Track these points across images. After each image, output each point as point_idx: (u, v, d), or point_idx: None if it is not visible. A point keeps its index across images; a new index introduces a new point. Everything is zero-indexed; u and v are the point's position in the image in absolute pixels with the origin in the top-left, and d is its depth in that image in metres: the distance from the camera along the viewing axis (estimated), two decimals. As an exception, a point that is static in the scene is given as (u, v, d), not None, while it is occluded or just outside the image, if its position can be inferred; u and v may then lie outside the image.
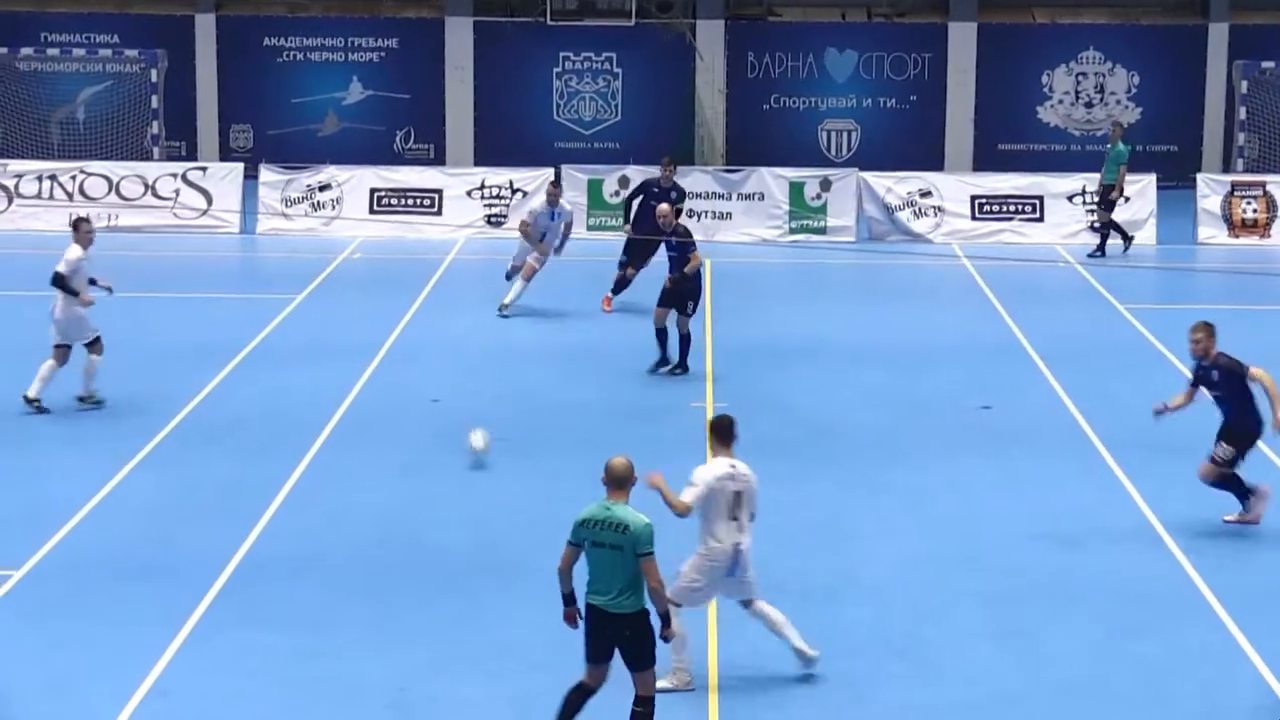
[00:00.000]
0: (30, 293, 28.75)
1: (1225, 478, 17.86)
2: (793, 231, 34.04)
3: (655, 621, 12.54)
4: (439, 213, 34.46)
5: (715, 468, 13.98)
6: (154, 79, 39.10)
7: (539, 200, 28.46)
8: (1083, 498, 18.95)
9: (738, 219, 34.20)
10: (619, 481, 12.59)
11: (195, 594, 15.73)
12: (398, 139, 40.65)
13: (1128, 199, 33.85)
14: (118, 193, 34.53)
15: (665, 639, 12.66)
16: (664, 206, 24.48)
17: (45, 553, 16.79)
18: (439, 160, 39.69)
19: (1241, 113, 38.59)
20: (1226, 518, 17.98)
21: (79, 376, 21.83)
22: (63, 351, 21.81)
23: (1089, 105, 40.66)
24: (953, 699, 13.94)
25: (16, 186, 34.49)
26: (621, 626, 12.40)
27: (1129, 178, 33.61)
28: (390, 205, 34.56)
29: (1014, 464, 20.12)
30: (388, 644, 14.73)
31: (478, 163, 38.64)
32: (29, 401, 21.52)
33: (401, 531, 17.62)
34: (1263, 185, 34.69)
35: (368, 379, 23.37)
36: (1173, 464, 19.70)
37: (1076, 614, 15.74)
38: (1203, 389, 17.99)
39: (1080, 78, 40.67)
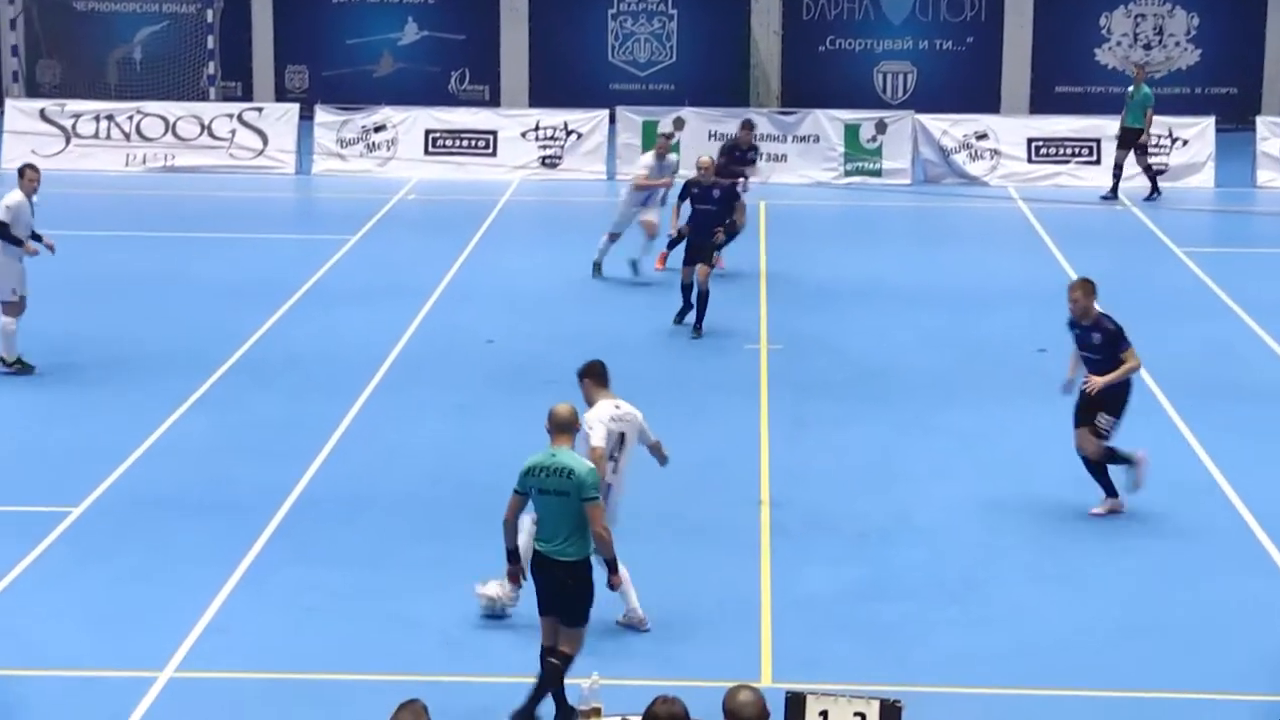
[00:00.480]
0: (87, 232, 28.93)
1: (1106, 454, 16.60)
2: (848, 174, 33.93)
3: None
4: (493, 154, 34.45)
5: (603, 410, 13.85)
6: (210, 19, 39.15)
7: (648, 155, 26.75)
8: (1138, 442, 18.84)
9: (793, 161, 34.09)
10: (562, 427, 12.38)
11: (251, 532, 15.82)
12: (453, 80, 40.63)
13: (1185, 142, 33.61)
14: (174, 133, 34.63)
15: (612, 586, 12.55)
16: (704, 158, 23.79)
17: (102, 491, 16.91)
18: (494, 102, 39.67)
19: (1303, 55, 38.28)
20: (1094, 511, 16.71)
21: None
22: (13, 306, 20.53)
23: (1147, 47, 40.35)
24: (1006, 642, 13.93)
25: (74, 126, 34.62)
26: (564, 575, 12.16)
27: (1179, 120, 33.37)
28: (445, 146, 34.57)
29: (1069, 408, 20.03)
30: (441, 583, 14.79)
31: (532, 104, 38.61)
32: (7, 365, 20.57)
33: (456, 471, 17.69)
34: (1323, 128, 34.37)
35: (422, 320, 23.42)
36: (1230, 409, 19.62)
37: (1131, 559, 15.71)
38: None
39: (1139, 19, 40.36)
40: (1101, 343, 16.47)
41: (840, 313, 24.05)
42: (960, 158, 34.04)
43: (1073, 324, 16.71)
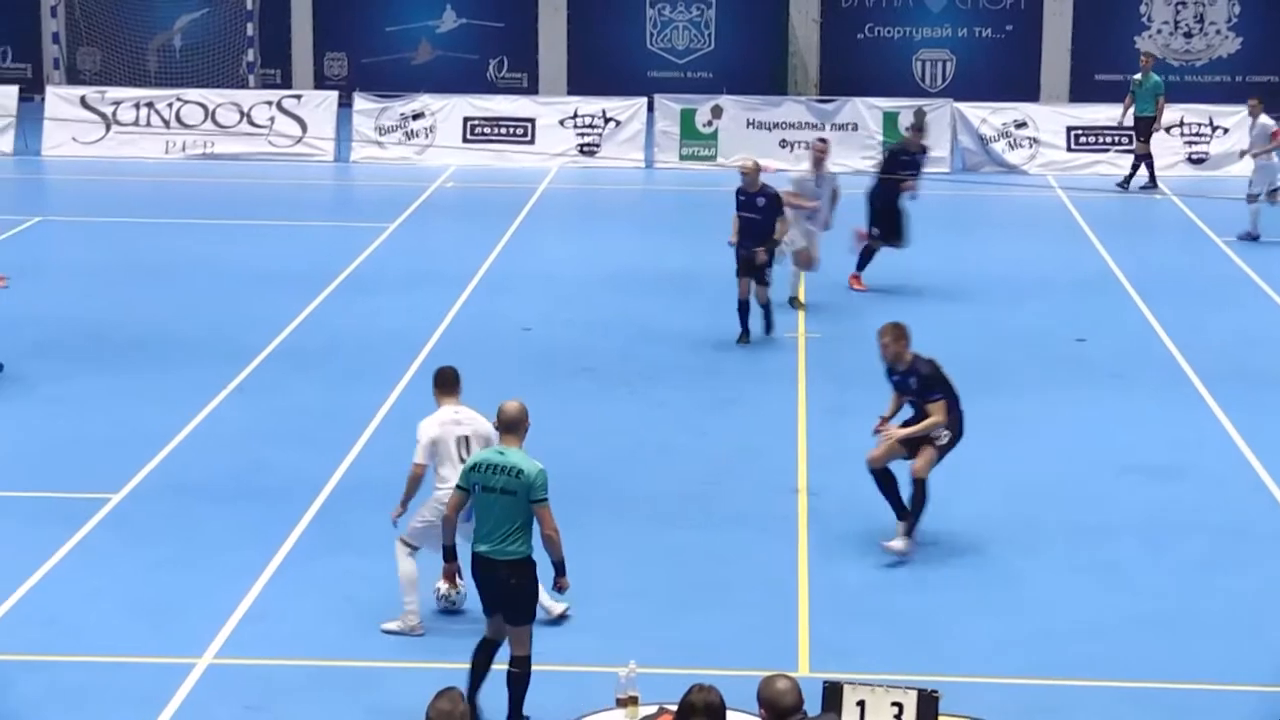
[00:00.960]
0: (127, 219, 29.06)
1: (918, 487, 15.27)
2: (886, 162, 33.83)
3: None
4: (532, 142, 34.47)
5: (438, 415, 13.72)
6: (250, 6, 39.24)
7: (803, 165, 24.93)
8: (1177, 432, 18.83)
9: (831, 149, 33.93)
10: (510, 425, 12.16)
11: (289, 519, 15.88)
12: (491, 68, 40.66)
13: (1226, 130, 33.48)
14: (214, 120, 34.72)
15: (559, 589, 12.28)
16: (748, 162, 22.40)
17: (142, 477, 16.98)
18: (532, 89, 39.69)
19: (1345, 42, 38.11)
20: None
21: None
22: None
23: (1188, 35, 40.20)
24: (1041, 632, 13.91)
25: (114, 114, 34.74)
26: (506, 574, 11.92)
27: (1220, 108, 33.25)
28: (483, 134, 34.60)
29: (1107, 397, 20.01)
30: (480, 570, 14.82)
31: (570, 92, 38.61)
32: None
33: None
34: (1365, 117, 34.19)
35: (460, 307, 23.46)
36: (1270, 398, 19.55)
37: (1168, 548, 15.67)
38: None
39: (1179, 7, 40.20)
40: (918, 387, 15.35)
41: (879, 301, 24.01)
42: (999, 146, 33.96)
43: (889, 370, 15.61)
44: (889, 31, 40.43)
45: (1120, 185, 32.24)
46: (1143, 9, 40.17)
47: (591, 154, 34.29)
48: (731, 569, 15.06)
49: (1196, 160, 32.83)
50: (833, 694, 9.93)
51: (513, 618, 12.07)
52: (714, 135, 34.14)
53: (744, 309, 21.73)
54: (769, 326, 22.03)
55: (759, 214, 21.61)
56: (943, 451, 15.41)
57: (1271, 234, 29.01)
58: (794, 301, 23.59)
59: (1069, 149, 33.98)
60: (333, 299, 23.89)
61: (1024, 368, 21.16)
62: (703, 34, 40.62)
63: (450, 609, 13.96)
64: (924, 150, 26.01)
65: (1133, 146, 32.71)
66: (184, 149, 34.50)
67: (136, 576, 14.68)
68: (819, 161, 23.93)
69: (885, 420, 15.63)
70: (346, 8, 40.65)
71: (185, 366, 20.63)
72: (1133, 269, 25.93)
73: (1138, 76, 32.74)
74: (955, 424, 15.43)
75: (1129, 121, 32.75)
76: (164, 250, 26.78)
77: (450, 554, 12.44)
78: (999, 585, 14.84)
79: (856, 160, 33.85)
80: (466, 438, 13.63)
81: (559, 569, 12.11)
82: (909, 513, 15.30)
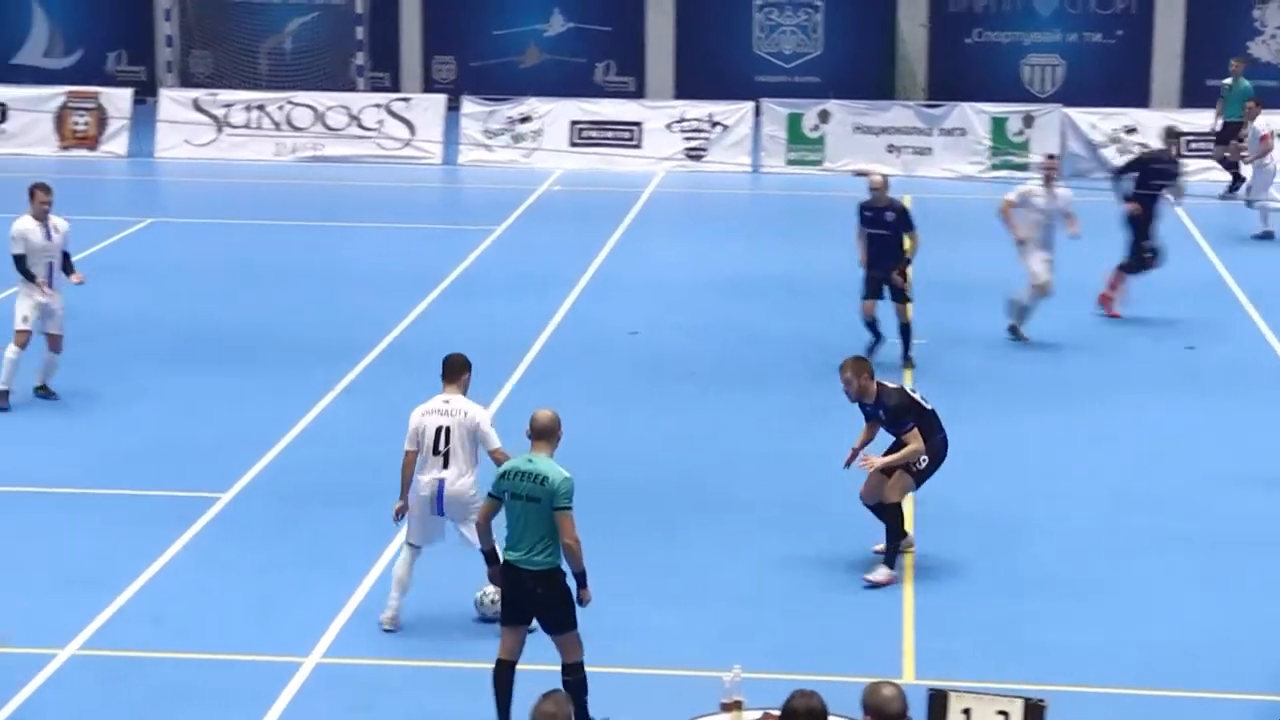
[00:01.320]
0: (237, 220, 29.34)
1: (892, 510, 14.90)
2: (994, 168, 33.69)
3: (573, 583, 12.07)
4: (638, 146, 34.52)
5: (427, 403, 13.71)
6: (359, 10, 39.52)
7: (1031, 184, 23.03)
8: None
9: (938, 154, 33.91)
10: (541, 433, 12.06)
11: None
12: (598, 71, 40.75)
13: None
14: (323, 123, 34.99)
15: (582, 602, 12.04)
16: (876, 175, 21.23)
17: (251, 477, 17.14)
18: (639, 93, 39.74)
19: None
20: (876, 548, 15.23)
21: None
22: (21, 334, 19.17)
23: (1302, 40, 39.75)
24: (1145, 642, 13.81)
25: (226, 116, 35.06)
26: (534, 584, 11.87)
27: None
28: (590, 137, 34.69)
29: (1217, 405, 19.83)
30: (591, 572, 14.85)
31: (677, 96, 38.63)
32: None
33: (600, 463, 17.75)
34: None
35: (567, 311, 23.54)
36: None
37: (1275, 557, 15.51)
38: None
39: (1294, 12, 39.77)
40: (888, 419, 14.90)
41: (984, 307, 23.88)
42: (1108, 152, 33.69)
43: (859, 404, 15.07)
44: (998, 36, 40.20)
45: (1226, 194, 31.93)
46: (1256, 14, 39.75)
47: (698, 158, 34.31)
48: (836, 574, 15.03)
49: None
50: (938, 701, 9.88)
51: (552, 626, 12.02)
52: (821, 140, 34.07)
53: (871, 326, 20.80)
54: (908, 348, 20.88)
55: (888, 229, 20.56)
56: (920, 478, 14.93)
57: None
58: (1015, 331, 22.21)
59: (1179, 155, 33.63)
60: (440, 301, 24.02)
61: (1131, 374, 21.01)
62: (810, 38, 40.54)
63: (486, 619, 13.76)
64: (1177, 160, 24.66)
65: (1226, 151, 32.41)
66: (293, 151, 34.78)
67: (245, 575, 14.82)
68: (1049, 179, 22.36)
69: (856, 451, 15.11)
70: (456, 12, 40.84)
71: (294, 367, 20.80)
72: (1244, 276, 25.68)
73: (1228, 81, 32.47)
74: (936, 450, 14.94)
75: (1219, 127, 32.49)
76: (274, 252, 27.02)
77: (492, 555, 12.43)
78: (1105, 594, 14.73)
79: (964, 165, 33.73)
80: (447, 429, 13.57)
81: (580, 580, 12.00)
82: (891, 543, 14.87)
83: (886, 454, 14.98)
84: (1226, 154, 32.25)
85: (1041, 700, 9.87)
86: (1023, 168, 33.38)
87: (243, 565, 15.05)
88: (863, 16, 40.27)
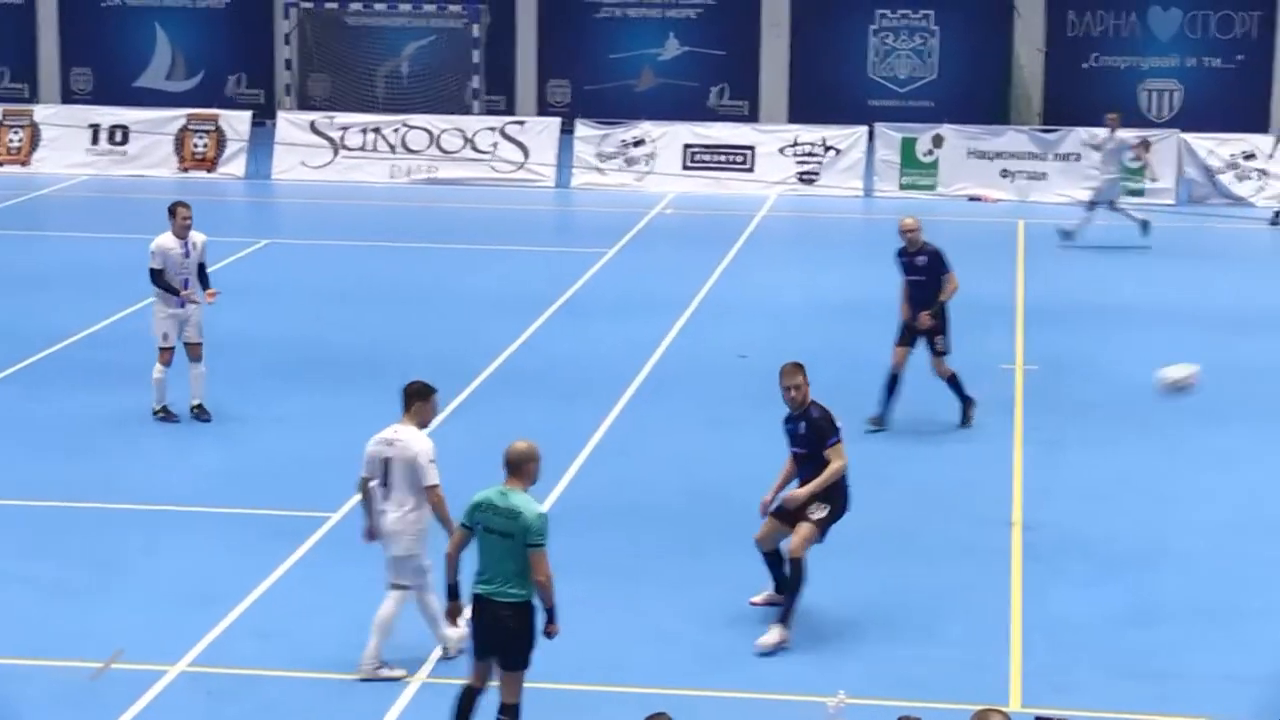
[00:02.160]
0: (353, 241, 29.57)
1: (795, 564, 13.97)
2: (1110, 193, 33.40)
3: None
4: (751, 169, 34.52)
5: (380, 433, 13.54)
6: (476, 34, 39.76)
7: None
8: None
9: (1053, 179, 33.70)
10: (514, 466, 11.86)
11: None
12: (712, 95, 40.78)
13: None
14: (438, 145, 35.22)
15: (548, 635, 11.84)
16: (907, 219, 20.05)
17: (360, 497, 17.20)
18: (753, 117, 39.73)
19: None
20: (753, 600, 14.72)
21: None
22: (165, 352, 19.56)
23: None
24: (1268, 672, 13.63)
25: (342, 139, 35.35)
26: (505, 616, 11.69)
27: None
28: (702, 161, 34.72)
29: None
30: (693, 595, 14.86)
31: (791, 120, 38.59)
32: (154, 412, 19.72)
33: (709, 485, 17.76)
34: None
35: (677, 333, 23.55)
36: None
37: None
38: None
39: None
40: (808, 433, 14.16)
41: (1099, 333, 23.72)
42: (1226, 178, 33.37)
43: (788, 418, 14.42)
44: (1115, 61, 39.91)
45: None
46: (1378, 39, 39.26)
47: (810, 182, 34.27)
48: (944, 601, 14.96)
49: None
50: (1044, 729, 9.83)
51: (506, 661, 11.84)
52: (934, 164, 33.95)
53: (893, 381, 19.58)
54: (966, 407, 19.65)
55: (921, 274, 19.58)
56: (822, 527, 14.09)
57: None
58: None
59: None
60: (551, 323, 24.10)
61: (1250, 400, 20.78)
62: (925, 63, 40.39)
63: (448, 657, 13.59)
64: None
65: None
66: (408, 174, 35.02)
67: (354, 594, 14.89)
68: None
69: (778, 491, 14.36)
70: (570, 35, 41.01)
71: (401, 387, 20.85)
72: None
73: None
74: (839, 496, 14.21)
75: None
76: (387, 273, 27.21)
77: (453, 591, 12.16)
78: (1226, 622, 14.57)
79: (1079, 191, 33.47)
80: (389, 460, 13.44)
81: (550, 615, 11.81)
82: (790, 600, 13.99)
83: (803, 484, 14.18)
84: None
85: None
86: (1139, 193, 33.10)
87: (352, 584, 15.11)
88: (978, 41, 40.10)
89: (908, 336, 19.67)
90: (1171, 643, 14.17)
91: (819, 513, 14.06)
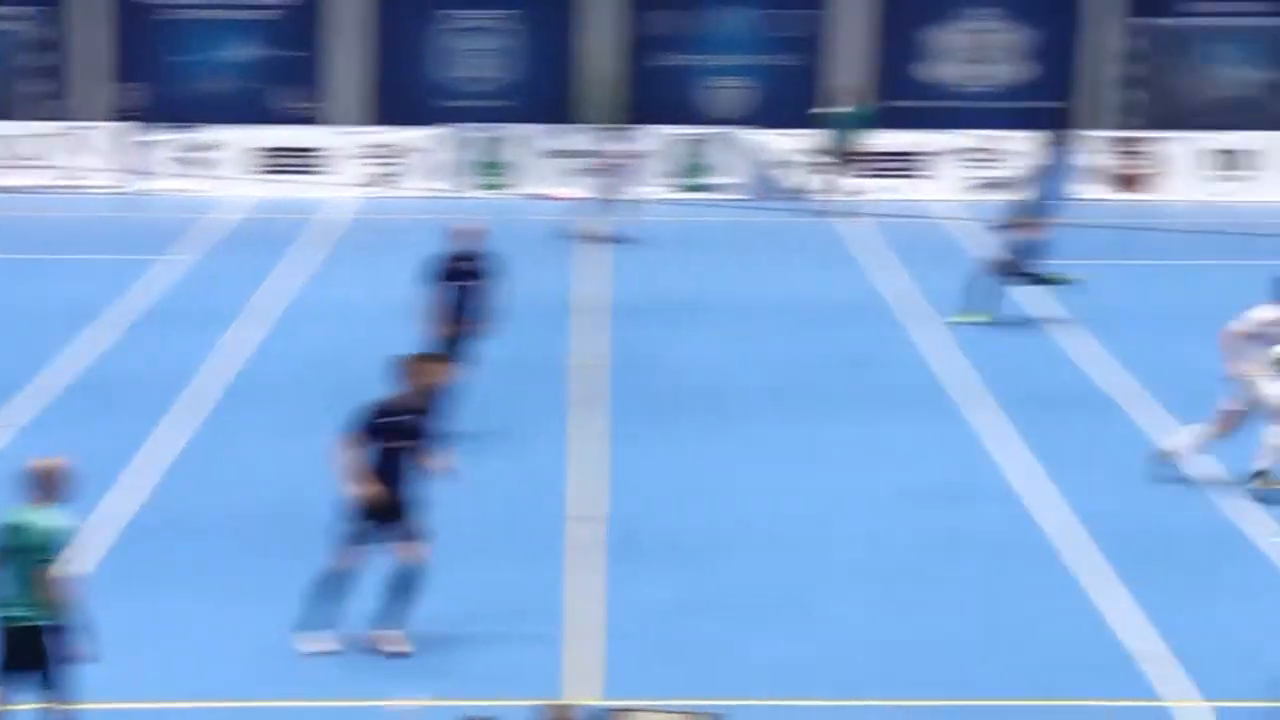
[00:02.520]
0: None
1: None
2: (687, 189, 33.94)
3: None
4: (327, 172, 34.25)
5: None
6: (32, 35, 38.49)
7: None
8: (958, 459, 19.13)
9: (625, 175, 34.15)
10: (37, 481, 11.66)
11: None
12: (286, 97, 40.28)
13: None
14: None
15: (74, 657, 11.72)
16: (463, 224, 20.00)
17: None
18: (330, 119, 39.33)
19: None
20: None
21: None
22: None
23: None
24: (836, 652, 14.13)
25: None
26: (26, 639, 11.58)
27: None
28: (277, 165, 34.43)
29: (913, 420, 20.29)
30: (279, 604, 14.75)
31: (368, 122, 38.35)
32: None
33: (292, 493, 17.54)
34: None
35: (258, 341, 23.24)
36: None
37: (967, 570, 15.97)
38: None
39: None
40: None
41: (676, 328, 24.02)
42: (789, 173, 34.19)
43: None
44: (685, 60, 40.49)
45: None
46: None
47: (388, 184, 34.17)
48: (519, 599, 15.13)
49: None
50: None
51: (47, 683, 11.70)
52: (505, 164, 34.15)
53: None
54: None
55: (472, 279, 19.48)
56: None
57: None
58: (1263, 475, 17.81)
59: None
60: (124, 334, 23.52)
61: (829, 393, 21.33)
62: (499, 64, 40.45)
63: None
64: None
65: None
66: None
67: None
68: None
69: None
70: (140, 37, 40.02)
71: None
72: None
73: None
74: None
75: None
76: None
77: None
78: (786, 609, 14.98)
79: (652, 187, 33.97)
80: None
81: (72, 636, 11.70)
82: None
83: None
84: None
85: (719, 715, 10.04)
86: (703, 189, 33.54)
87: None
88: (550, 41, 40.30)
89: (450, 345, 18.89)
90: (739, 630, 14.48)
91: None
